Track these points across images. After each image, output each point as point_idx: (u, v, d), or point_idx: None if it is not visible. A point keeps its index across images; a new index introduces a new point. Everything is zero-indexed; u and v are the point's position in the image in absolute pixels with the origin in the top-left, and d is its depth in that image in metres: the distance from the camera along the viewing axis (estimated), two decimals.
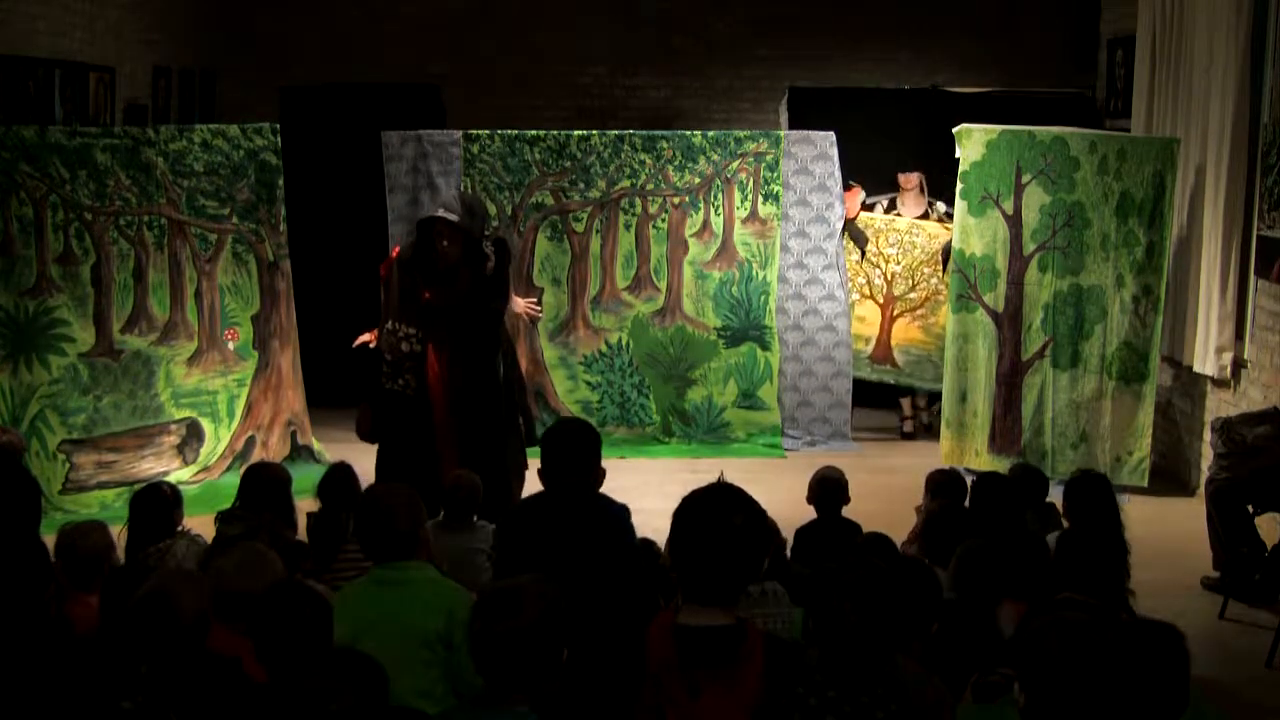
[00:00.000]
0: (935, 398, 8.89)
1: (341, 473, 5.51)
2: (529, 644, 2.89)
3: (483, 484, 5.76)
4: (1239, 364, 7.50)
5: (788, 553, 5.02)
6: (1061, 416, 7.81)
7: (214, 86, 11.18)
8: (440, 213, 6.38)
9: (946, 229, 8.62)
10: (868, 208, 9.03)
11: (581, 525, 3.98)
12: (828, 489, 5.61)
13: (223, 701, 3.20)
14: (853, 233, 8.98)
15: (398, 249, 6.91)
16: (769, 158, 8.77)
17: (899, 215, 9.00)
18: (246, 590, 3.62)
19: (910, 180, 8.93)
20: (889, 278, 9.03)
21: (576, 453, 4.04)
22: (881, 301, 9.07)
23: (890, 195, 9.05)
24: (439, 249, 6.36)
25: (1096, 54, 10.12)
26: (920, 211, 8.98)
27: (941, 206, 8.85)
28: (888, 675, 2.99)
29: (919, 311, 9.01)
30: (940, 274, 8.79)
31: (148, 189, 7.45)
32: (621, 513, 4.17)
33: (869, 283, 9.08)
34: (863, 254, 9.02)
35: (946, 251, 8.51)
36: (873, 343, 9.12)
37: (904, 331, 9.07)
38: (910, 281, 8.98)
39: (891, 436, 9.21)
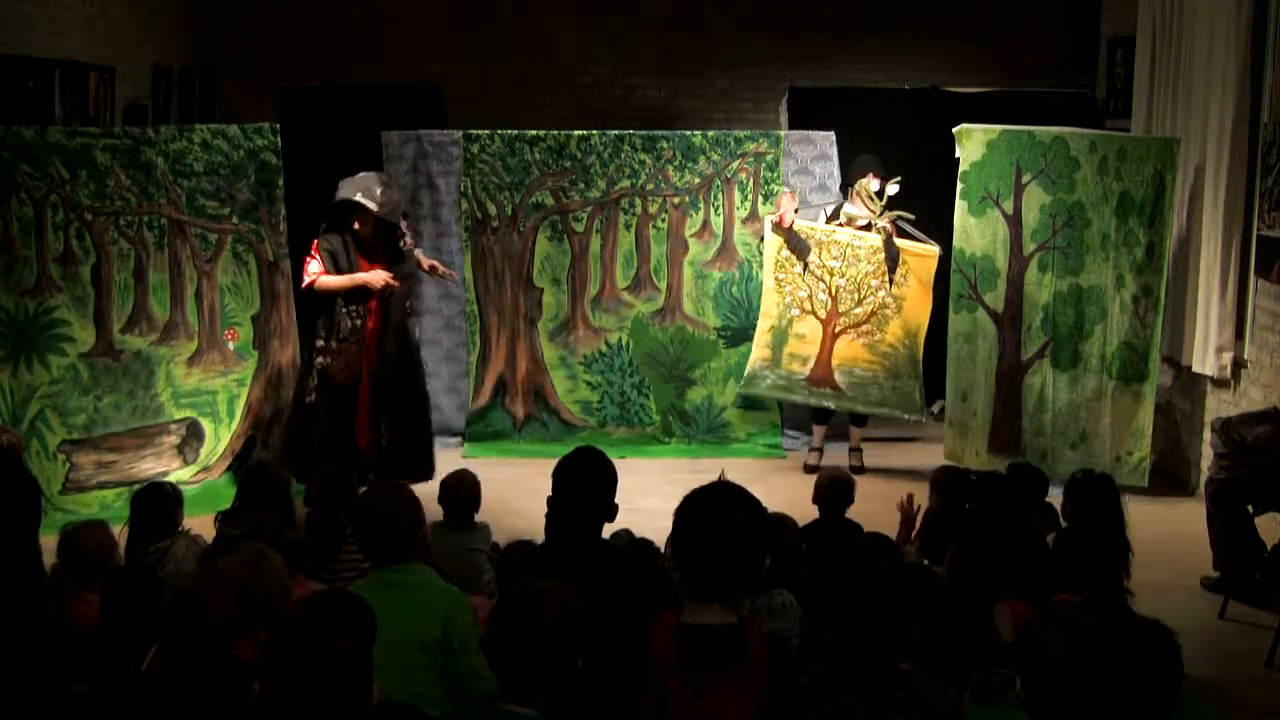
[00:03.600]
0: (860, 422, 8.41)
1: (338, 474, 5.51)
2: (546, 645, 2.90)
3: (409, 444, 7.39)
4: (1239, 364, 7.50)
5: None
6: (1061, 416, 7.81)
7: (214, 86, 11.18)
8: (358, 198, 7.35)
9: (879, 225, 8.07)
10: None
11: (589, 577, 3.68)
12: (837, 489, 5.61)
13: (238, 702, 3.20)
14: (792, 242, 8.25)
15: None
16: (769, 158, 8.77)
17: (841, 225, 8.25)
18: (247, 590, 3.62)
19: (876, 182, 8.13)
20: (833, 292, 8.24)
21: (591, 487, 3.85)
22: (824, 317, 8.30)
23: (834, 203, 8.46)
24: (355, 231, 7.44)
25: (1096, 54, 10.12)
26: (866, 221, 8.21)
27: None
28: (903, 680, 2.98)
29: (864, 328, 8.24)
30: (888, 287, 8.16)
31: (148, 189, 7.45)
32: (632, 557, 4.06)
33: (811, 296, 8.29)
34: (805, 265, 8.26)
35: (893, 262, 8.08)
36: (810, 363, 8.31)
37: (846, 350, 8.28)
38: (856, 296, 8.21)
39: (890, 437, 8.98)
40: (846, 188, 8.43)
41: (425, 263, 7.90)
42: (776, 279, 8.37)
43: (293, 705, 2.72)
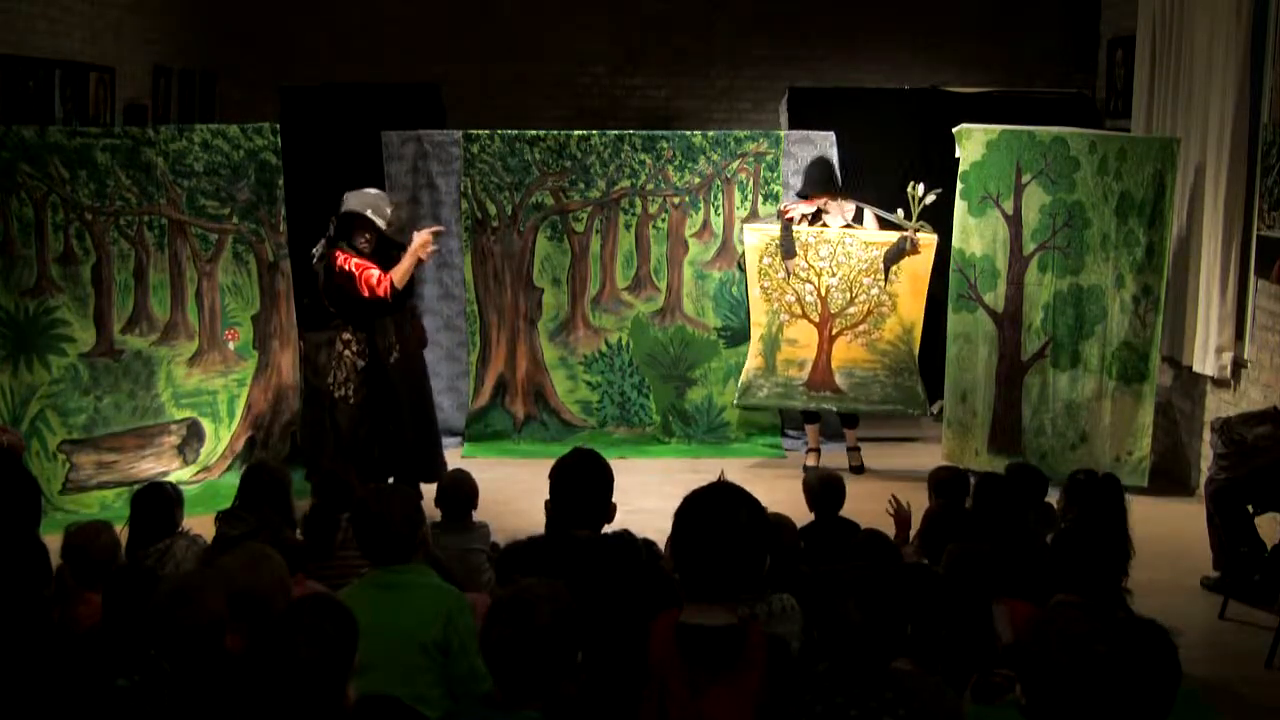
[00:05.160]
0: (849, 420, 8.36)
1: (338, 474, 5.52)
2: (542, 648, 2.89)
3: (420, 449, 7.05)
4: (1239, 364, 7.50)
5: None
6: (1061, 417, 7.81)
7: (214, 86, 11.19)
8: (368, 214, 6.91)
9: (913, 232, 7.91)
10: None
11: (587, 570, 3.72)
12: (827, 489, 5.62)
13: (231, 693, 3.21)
14: (784, 241, 8.09)
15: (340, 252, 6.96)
16: (769, 158, 8.77)
17: (825, 225, 8.16)
18: (247, 589, 3.62)
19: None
20: (823, 293, 8.12)
21: (588, 488, 3.85)
22: (817, 320, 8.19)
23: (813, 207, 8.33)
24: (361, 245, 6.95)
25: (1096, 54, 10.13)
26: (846, 220, 8.16)
27: (870, 217, 8.15)
28: (895, 680, 2.97)
29: (861, 328, 8.12)
30: (883, 284, 8.03)
31: (148, 189, 7.45)
32: (630, 549, 4.08)
33: (799, 300, 8.17)
34: (787, 271, 8.14)
35: (892, 258, 7.99)
36: (808, 367, 8.22)
37: (845, 351, 8.16)
38: (849, 295, 8.08)
39: (890, 437, 8.97)
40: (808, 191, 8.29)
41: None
42: (762, 287, 8.30)
43: (265, 704, 2.77)
